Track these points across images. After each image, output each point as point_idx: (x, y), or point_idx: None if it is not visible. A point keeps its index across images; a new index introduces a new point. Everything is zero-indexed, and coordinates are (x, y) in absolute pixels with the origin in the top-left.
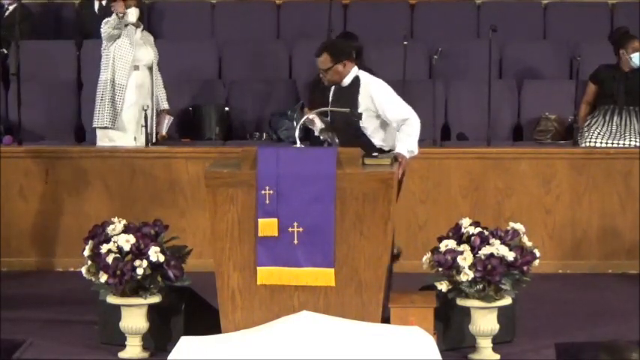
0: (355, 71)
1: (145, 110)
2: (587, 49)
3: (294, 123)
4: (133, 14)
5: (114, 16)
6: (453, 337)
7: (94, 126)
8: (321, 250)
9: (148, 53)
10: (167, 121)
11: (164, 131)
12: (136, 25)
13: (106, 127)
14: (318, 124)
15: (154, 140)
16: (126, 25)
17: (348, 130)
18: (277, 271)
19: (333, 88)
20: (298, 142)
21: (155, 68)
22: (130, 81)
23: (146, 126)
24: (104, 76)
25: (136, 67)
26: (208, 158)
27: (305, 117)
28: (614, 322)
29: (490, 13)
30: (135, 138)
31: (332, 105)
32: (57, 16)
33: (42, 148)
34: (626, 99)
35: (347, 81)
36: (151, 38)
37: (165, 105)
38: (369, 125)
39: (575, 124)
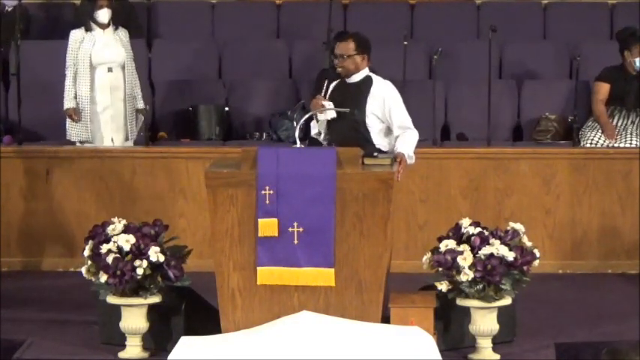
0: (367, 71)
1: (146, 110)
2: (587, 49)
3: (294, 123)
4: (104, 15)
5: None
6: (453, 337)
7: (70, 139)
8: (321, 250)
9: (119, 54)
10: (139, 120)
11: (136, 130)
12: (104, 27)
13: (81, 142)
14: (329, 113)
15: (129, 139)
16: (88, 30)
17: (353, 127)
18: (277, 271)
19: (337, 83)
20: (298, 142)
21: (130, 67)
22: (103, 83)
23: (146, 126)
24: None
25: (110, 69)
26: (208, 158)
27: (316, 103)
28: (614, 322)
29: (490, 13)
30: (112, 139)
31: (336, 99)
32: (57, 16)
33: (42, 148)
34: (636, 101)
35: (357, 78)
36: (126, 37)
37: (140, 104)
38: (373, 126)
39: (576, 124)
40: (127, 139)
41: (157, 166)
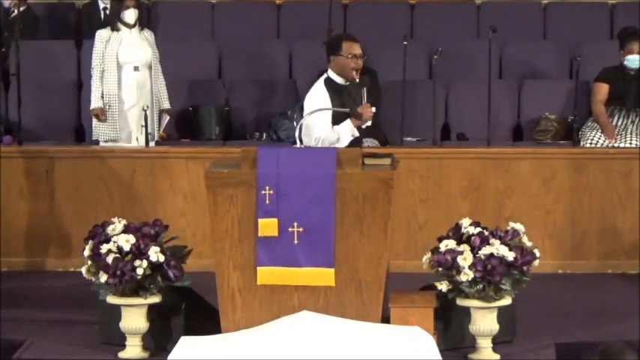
0: None
1: (145, 110)
2: (587, 49)
3: (294, 123)
4: (131, 16)
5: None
6: (453, 337)
7: (94, 139)
8: (321, 250)
9: (146, 53)
10: (164, 120)
11: (161, 130)
12: (131, 26)
13: (107, 140)
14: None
15: (156, 138)
16: (114, 30)
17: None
18: (277, 271)
19: (335, 88)
20: (298, 142)
21: (156, 67)
22: (130, 82)
23: (146, 126)
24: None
25: (136, 68)
26: (208, 158)
27: (370, 111)
28: (614, 322)
29: (490, 13)
30: (137, 139)
31: (351, 104)
32: (57, 16)
33: (42, 148)
34: (635, 101)
35: None
36: (152, 37)
37: (166, 104)
38: None
39: (576, 124)
40: (152, 138)
41: (157, 166)
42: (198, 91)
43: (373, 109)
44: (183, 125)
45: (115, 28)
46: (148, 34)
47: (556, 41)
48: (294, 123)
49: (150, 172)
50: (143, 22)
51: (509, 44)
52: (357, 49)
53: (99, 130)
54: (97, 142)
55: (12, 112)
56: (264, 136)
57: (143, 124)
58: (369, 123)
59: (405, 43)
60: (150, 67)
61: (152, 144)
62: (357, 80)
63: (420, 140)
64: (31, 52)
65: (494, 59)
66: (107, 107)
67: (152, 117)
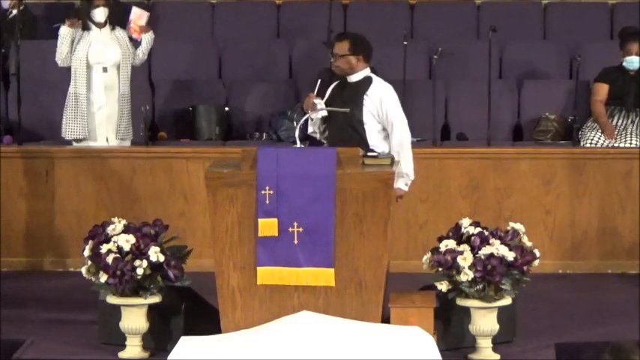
0: (367, 72)
1: (145, 110)
2: (587, 49)
3: (294, 123)
4: (101, 14)
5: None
6: (453, 337)
7: (66, 138)
8: (321, 250)
9: (115, 53)
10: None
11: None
12: (101, 26)
13: (76, 140)
14: (320, 112)
15: (124, 138)
16: (84, 29)
17: (348, 125)
18: (277, 271)
19: (337, 83)
20: (298, 142)
21: (126, 66)
22: (98, 83)
23: (145, 125)
24: (70, 87)
25: (105, 69)
26: (208, 158)
27: (308, 101)
28: (614, 322)
29: (490, 13)
30: (107, 139)
31: (334, 98)
32: (56, 16)
33: (42, 148)
34: (635, 101)
35: (355, 78)
36: (124, 36)
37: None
38: (370, 125)
39: (576, 124)
40: (121, 139)
41: (157, 166)
42: (198, 91)
43: (317, 102)
44: (183, 125)
45: (85, 28)
46: (120, 33)
47: (556, 41)
48: (294, 123)
49: (150, 172)
50: (115, 22)
51: (509, 44)
52: (334, 49)
53: (67, 130)
54: (70, 143)
55: (12, 112)
56: (264, 136)
57: (143, 125)
58: (319, 115)
59: (405, 43)
60: (119, 68)
61: (126, 143)
62: (337, 72)
63: (420, 140)
64: (31, 52)
65: (494, 59)
66: (77, 106)
67: (121, 116)
